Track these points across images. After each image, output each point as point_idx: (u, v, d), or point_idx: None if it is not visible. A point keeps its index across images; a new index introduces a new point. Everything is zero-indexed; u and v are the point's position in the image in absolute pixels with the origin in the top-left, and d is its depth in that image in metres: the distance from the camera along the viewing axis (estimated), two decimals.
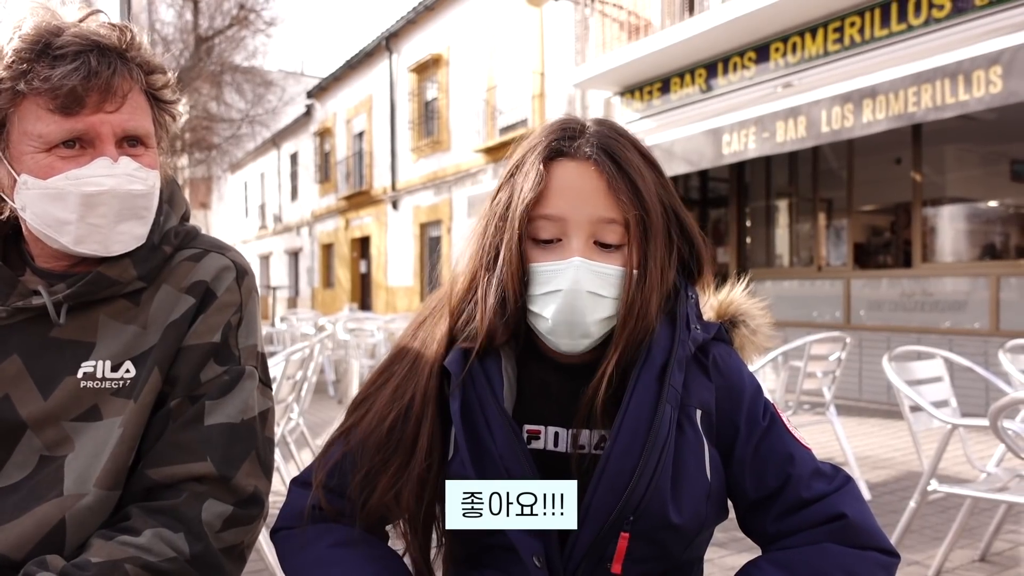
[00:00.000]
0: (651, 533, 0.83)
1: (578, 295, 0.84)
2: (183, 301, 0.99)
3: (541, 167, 0.86)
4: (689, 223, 0.95)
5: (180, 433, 0.94)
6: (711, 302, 1.05)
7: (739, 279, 1.08)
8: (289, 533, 0.92)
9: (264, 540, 2.45)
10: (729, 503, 0.93)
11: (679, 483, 0.84)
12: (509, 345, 0.91)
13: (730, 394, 0.90)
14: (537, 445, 0.89)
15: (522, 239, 0.86)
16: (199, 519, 0.90)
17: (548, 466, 0.88)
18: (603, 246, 0.86)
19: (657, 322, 0.88)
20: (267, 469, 1.00)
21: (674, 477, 0.83)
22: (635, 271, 0.86)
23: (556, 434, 0.89)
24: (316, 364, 3.74)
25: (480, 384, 0.87)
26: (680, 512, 0.83)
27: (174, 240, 1.02)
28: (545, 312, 0.85)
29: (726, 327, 1.00)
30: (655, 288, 0.87)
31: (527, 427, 0.90)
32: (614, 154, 0.87)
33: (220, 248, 1.06)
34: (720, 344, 0.95)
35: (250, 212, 29.03)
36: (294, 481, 0.98)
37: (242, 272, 1.04)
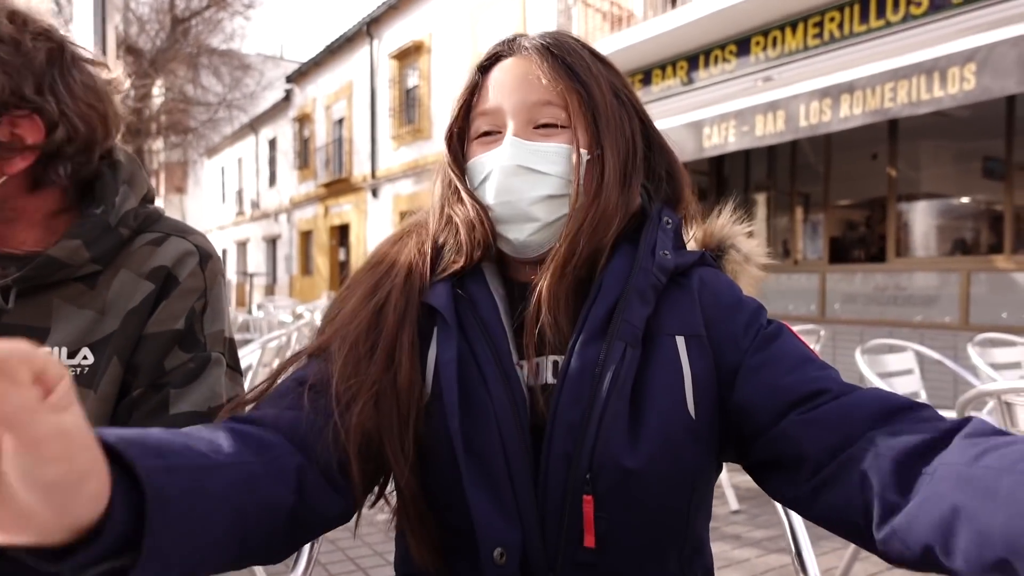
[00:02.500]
0: (616, 491, 0.71)
1: (509, 171, 0.78)
2: (143, 287, 0.96)
3: (476, 74, 0.84)
4: (656, 133, 0.88)
5: (144, 423, 0.92)
6: (695, 234, 0.93)
7: (724, 205, 0.93)
8: None
9: None
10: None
11: (640, 425, 0.72)
12: (493, 270, 0.84)
13: (722, 310, 0.78)
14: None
15: (462, 143, 0.84)
16: None
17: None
18: (544, 127, 0.80)
19: (615, 230, 0.79)
20: None
21: (634, 420, 0.72)
22: (583, 151, 0.79)
23: (537, 364, 0.78)
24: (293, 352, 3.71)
25: (472, 329, 0.77)
26: (637, 455, 0.71)
27: (132, 222, 0.99)
28: (488, 199, 0.80)
29: (712, 255, 0.87)
30: (613, 177, 0.79)
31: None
32: (550, 45, 0.82)
33: (182, 232, 1.03)
34: (705, 267, 0.83)
35: (227, 198, 28.68)
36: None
37: (206, 256, 1.01)
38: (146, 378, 0.94)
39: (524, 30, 11.70)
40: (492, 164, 0.80)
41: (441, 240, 0.84)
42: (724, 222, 0.91)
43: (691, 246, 0.91)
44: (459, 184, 0.83)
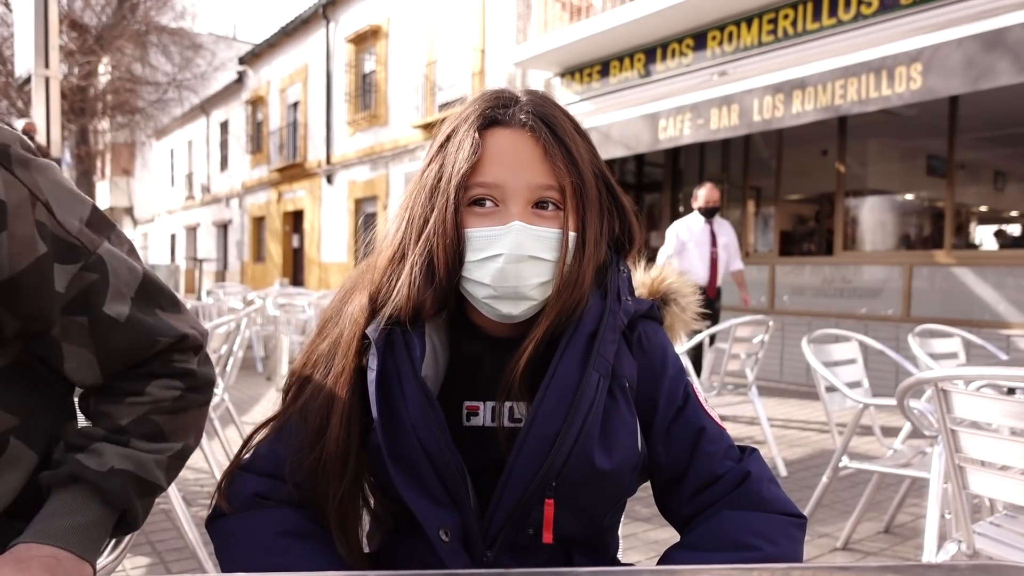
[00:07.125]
0: (574, 499, 0.82)
1: (519, 259, 0.82)
2: None
3: (476, 135, 0.85)
4: (621, 195, 0.94)
5: (97, 343, 0.85)
6: (643, 279, 1.05)
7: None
8: (229, 519, 0.86)
9: (183, 516, 2.39)
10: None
11: (608, 450, 0.83)
12: (439, 317, 0.89)
13: (652, 373, 0.91)
14: (476, 422, 0.88)
15: (458, 207, 0.84)
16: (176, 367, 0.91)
17: (487, 443, 0.86)
18: (541, 207, 0.85)
19: (589, 293, 0.87)
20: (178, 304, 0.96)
21: (602, 443, 0.83)
22: (572, 233, 0.85)
23: (493, 408, 0.88)
24: (243, 339, 3.65)
25: (399, 353, 0.84)
26: (609, 461, 0.83)
27: None
28: (484, 278, 0.83)
29: (658, 305, 1.00)
30: (591, 256, 0.86)
31: (467, 404, 0.89)
32: (549, 121, 0.86)
33: None
34: (649, 322, 0.95)
35: (176, 181, 27.88)
36: (233, 468, 0.92)
37: (6, 157, 0.77)
38: (51, 314, 0.81)
39: (483, 19, 11.65)
40: (501, 248, 0.83)
41: (383, 289, 0.87)
42: (670, 274, 1.06)
43: (639, 290, 1.04)
44: (448, 258, 0.84)
